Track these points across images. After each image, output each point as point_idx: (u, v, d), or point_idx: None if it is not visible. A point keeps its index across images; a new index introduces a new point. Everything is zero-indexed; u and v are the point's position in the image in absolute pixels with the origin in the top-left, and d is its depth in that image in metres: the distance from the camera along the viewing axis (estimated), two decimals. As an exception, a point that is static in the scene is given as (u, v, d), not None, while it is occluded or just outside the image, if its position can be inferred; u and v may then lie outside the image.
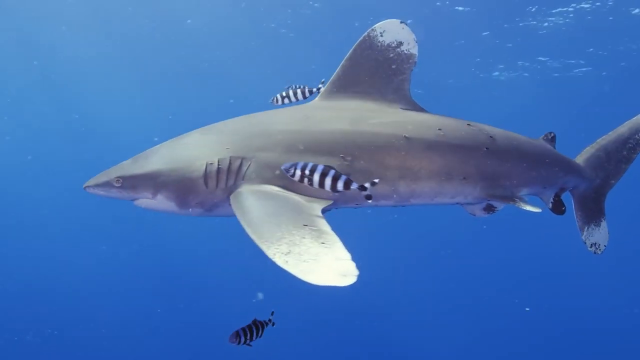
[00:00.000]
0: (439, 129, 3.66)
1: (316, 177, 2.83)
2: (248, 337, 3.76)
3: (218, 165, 3.32)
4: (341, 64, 3.85)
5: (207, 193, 3.33)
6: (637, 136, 4.65)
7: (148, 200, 3.49)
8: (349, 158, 3.34)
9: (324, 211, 3.17)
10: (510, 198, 3.84)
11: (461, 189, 3.66)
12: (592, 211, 4.73)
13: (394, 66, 3.81)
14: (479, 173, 3.68)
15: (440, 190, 3.60)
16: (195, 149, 3.48)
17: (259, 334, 3.80)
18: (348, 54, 3.83)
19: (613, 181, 4.77)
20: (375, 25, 3.78)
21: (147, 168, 3.46)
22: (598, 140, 4.73)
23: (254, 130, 3.58)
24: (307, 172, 2.86)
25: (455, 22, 15.44)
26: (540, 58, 17.65)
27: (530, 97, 20.09)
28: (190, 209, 3.46)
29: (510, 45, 16.88)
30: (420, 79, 4.48)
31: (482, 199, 3.83)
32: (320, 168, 2.85)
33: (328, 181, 2.83)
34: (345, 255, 2.53)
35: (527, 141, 4.28)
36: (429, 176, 3.52)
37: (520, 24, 15.69)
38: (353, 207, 3.58)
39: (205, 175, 3.31)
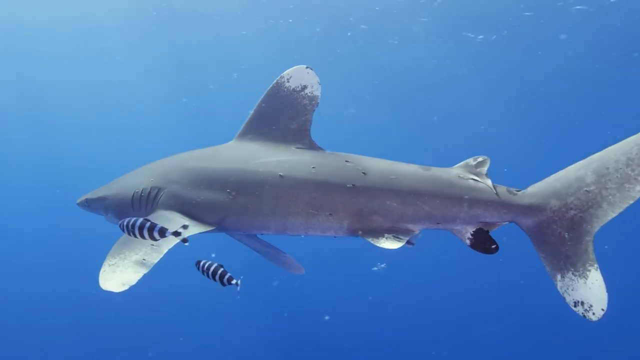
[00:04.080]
0: (313, 167, 3.98)
1: (136, 231, 3.30)
2: (206, 271, 3.61)
3: (141, 193, 4.31)
4: (253, 109, 4.37)
5: (135, 215, 4.25)
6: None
7: (106, 217, 4.71)
8: (233, 193, 3.94)
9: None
10: (380, 235, 3.76)
11: (328, 225, 3.91)
12: (566, 254, 3.59)
13: (298, 108, 4.24)
14: (345, 210, 3.86)
15: (309, 225, 3.93)
16: (134, 179, 4.53)
17: (215, 278, 3.57)
18: (259, 99, 4.31)
19: (602, 211, 3.50)
20: (284, 72, 4.24)
21: (100, 194, 4.72)
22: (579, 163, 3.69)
23: (176, 165, 4.44)
24: (130, 227, 3.32)
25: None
26: None
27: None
28: None
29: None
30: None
31: (352, 234, 3.93)
32: (138, 222, 3.29)
33: (146, 232, 3.30)
34: (144, 270, 3.39)
35: (412, 175, 3.95)
36: (297, 211, 3.88)
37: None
38: (243, 234, 4.46)
39: (133, 201, 4.34)
